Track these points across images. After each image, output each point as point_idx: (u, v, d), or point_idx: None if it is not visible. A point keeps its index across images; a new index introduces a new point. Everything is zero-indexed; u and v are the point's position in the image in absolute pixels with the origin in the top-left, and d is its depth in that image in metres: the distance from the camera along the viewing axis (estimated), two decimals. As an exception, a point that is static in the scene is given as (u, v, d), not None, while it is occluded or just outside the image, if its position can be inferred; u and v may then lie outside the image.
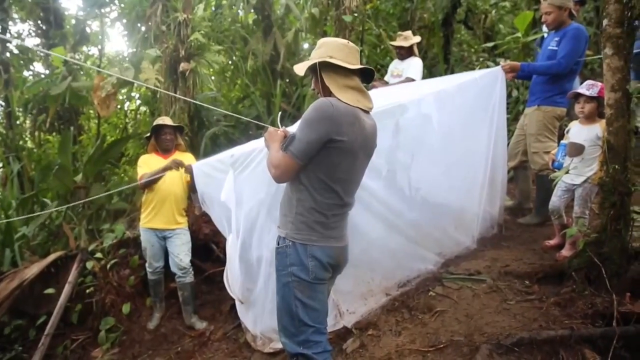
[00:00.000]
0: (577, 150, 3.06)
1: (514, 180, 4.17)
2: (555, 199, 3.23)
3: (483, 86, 3.53)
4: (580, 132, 3.10)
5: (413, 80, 4.58)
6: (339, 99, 1.94)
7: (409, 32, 4.85)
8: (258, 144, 2.69)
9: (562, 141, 3.23)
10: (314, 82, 2.09)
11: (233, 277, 2.98)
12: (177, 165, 3.51)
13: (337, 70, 1.99)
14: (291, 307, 1.98)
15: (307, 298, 1.97)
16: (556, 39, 3.54)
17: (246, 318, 3.18)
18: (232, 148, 3.18)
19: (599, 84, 3.01)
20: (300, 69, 2.10)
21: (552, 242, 3.35)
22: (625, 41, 2.40)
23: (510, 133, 4.16)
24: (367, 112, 2.08)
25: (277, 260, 2.06)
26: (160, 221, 3.81)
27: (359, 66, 2.02)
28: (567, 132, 3.21)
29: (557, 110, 3.61)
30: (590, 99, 3.03)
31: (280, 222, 2.10)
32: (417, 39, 4.85)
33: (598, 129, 2.98)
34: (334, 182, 1.97)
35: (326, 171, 1.95)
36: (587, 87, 3.06)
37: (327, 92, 2.00)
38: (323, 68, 2.01)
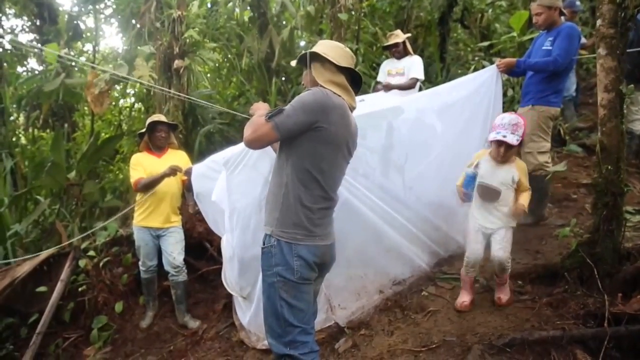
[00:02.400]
0: (492, 195, 2.63)
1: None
2: (478, 247, 2.69)
3: (478, 85, 3.53)
4: (494, 173, 2.64)
5: (418, 80, 4.57)
6: (333, 92, 2.00)
7: (397, 31, 4.86)
8: None
9: (469, 170, 2.69)
10: (304, 74, 2.19)
11: (230, 275, 2.98)
12: (175, 171, 3.52)
13: (325, 65, 2.07)
14: (276, 308, 1.97)
15: (293, 298, 1.96)
16: (550, 38, 3.54)
17: (242, 314, 3.18)
18: (227, 148, 3.17)
19: (521, 121, 2.57)
20: (294, 60, 2.21)
21: (464, 301, 2.72)
22: (618, 41, 2.41)
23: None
24: (351, 109, 2.13)
25: (262, 260, 2.05)
26: (155, 220, 3.79)
27: (346, 65, 2.08)
28: (476, 166, 2.70)
29: (551, 110, 3.61)
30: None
31: (266, 220, 2.10)
32: (408, 34, 4.85)
33: (514, 170, 2.62)
34: (318, 173, 1.97)
35: (311, 162, 1.96)
36: (511, 131, 2.53)
37: (314, 84, 2.07)
38: (313, 61, 2.10)
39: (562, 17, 3.61)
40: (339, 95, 2.01)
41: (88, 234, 4.27)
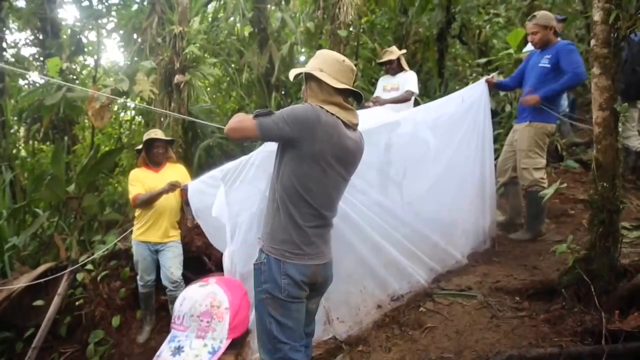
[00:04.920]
0: None
1: (504, 196, 4.19)
2: None
3: (472, 100, 3.57)
4: None
5: (414, 93, 4.61)
6: (327, 111, 1.96)
7: (392, 47, 4.92)
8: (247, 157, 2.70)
9: None
10: (303, 89, 2.15)
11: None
12: (174, 187, 3.53)
13: (322, 85, 2.01)
14: (265, 324, 1.98)
15: (281, 316, 1.96)
16: (547, 56, 3.59)
17: None
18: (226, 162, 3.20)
19: (225, 299, 1.18)
20: (291, 74, 2.15)
21: None
22: (612, 61, 2.44)
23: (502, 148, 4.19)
24: (351, 127, 2.08)
25: (253, 277, 2.06)
26: (154, 234, 3.79)
27: (344, 86, 2.01)
28: None
29: (547, 126, 3.65)
30: None
31: (261, 234, 2.11)
32: (403, 51, 4.91)
33: None
34: (306, 192, 1.96)
35: (298, 181, 1.95)
36: (197, 331, 1.15)
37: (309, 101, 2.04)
38: (310, 79, 2.05)
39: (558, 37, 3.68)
40: (333, 114, 1.97)
41: (94, 256, 4.24)
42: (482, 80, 3.67)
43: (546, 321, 2.55)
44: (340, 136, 1.98)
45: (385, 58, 4.77)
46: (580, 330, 2.39)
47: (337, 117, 1.99)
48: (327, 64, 2.03)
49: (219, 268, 4.21)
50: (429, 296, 3.03)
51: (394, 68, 4.76)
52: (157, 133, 3.92)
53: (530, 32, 3.68)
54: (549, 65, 3.58)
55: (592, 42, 2.50)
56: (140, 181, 3.74)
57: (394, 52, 4.75)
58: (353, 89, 2.08)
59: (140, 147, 3.88)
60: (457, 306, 2.86)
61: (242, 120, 1.96)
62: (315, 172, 1.96)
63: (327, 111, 1.97)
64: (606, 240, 2.52)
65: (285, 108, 1.97)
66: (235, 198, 2.69)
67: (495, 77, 3.82)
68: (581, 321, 2.44)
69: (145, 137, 3.84)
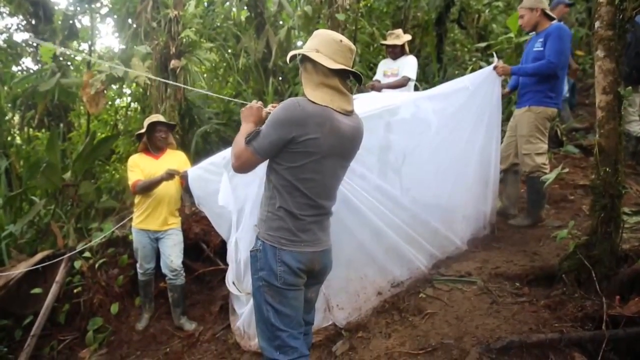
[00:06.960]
0: None
1: (502, 183, 4.16)
2: None
3: (477, 86, 3.52)
4: None
5: (410, 79, 4.55)
6: (308, 99, 1.89)
7: (399, 30, 4.83)
8: None
9: None
10: (300, 72, 2.07)
11: (234, 275, 2.99)
12: (171, 175, 3.48)
13: (317, 66, 1.92)
14: (263, 312, 1.97)
15: (278, 303, 1.95)
16: (540, 40, 3.57)
17: (239, 311, 3.20)
18: (224, 148, 3.16)
19: None
20: (289, 56, 2.07)
21: None
22: (616, 43, 2.40)
23: (502, 133, 4.16)
24: (345, 114, 1.99)
25: (250, 264, 2.05)
26: (153, 222, 3.74)
27: (340, 66, 1.91)
28: None
29: (548, 110, 3.61)
30: None
31: (257, 220, 2.09)
32: (408, 37, 4.83)
33: None
34: (299, 183, 1.92)
35: (290, 172, 1.91)
36: None
37: (304, 87, 1.98)
38: (306, 60, 1.97)
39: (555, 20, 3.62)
40: (319, 104, 1.88)
41: (91, 243, 4.19)
42: (490, 67, 3.59)
43: (546, 307, 2.55)
44: (334, 122, 1.90)
45: (390, 42, 4.68)
46: (581, 315, 2.40)
47: (324, 106, 1.90)
48: (323, 45, 1.94)
49: (217, 255, 4.21)
50: (429, 282, 3.02)
51: (396, 52, 4.70)
52: (158, 117, 3.86)
53: (519, 16, 3.68)
54: (542, 49, 3.55)
55: (597, 24, 2.44)
56: (140, 167, 3.70)
57: (400, 38, 4.65)
58: (351, 69, 1.98)
59: (141, 131, 3.77)
60: (457, 292, 2.85)
61: (240, 155, 1.95)
62: (310, 163, 1.91)
63: (313, 102, 1.88)
64: (608, 226, 2.50)
65: (269, 117, 1.92)
66: (239, 185, 2.67)
67: (498, 61, 3.71)
68: (582, 307, 2.44)
69: (148, 121, 3.77)
